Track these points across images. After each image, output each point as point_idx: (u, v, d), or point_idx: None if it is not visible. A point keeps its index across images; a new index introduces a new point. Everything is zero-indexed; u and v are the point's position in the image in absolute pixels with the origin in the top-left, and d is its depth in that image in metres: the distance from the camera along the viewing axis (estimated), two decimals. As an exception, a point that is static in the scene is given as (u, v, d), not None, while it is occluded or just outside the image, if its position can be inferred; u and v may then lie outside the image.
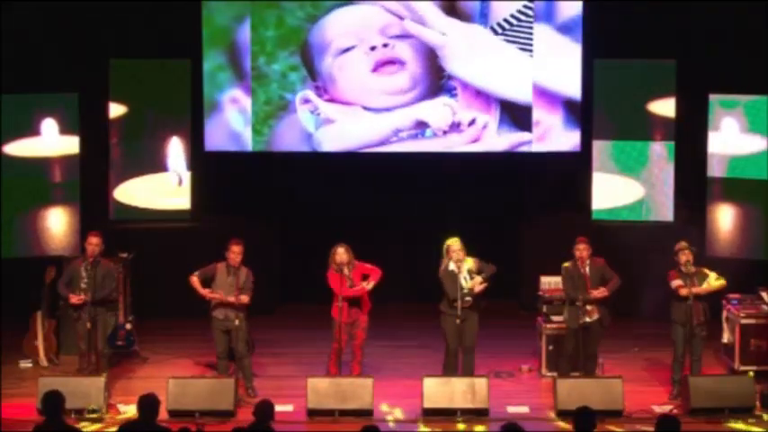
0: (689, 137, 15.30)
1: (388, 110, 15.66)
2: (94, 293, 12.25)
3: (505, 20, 15.55)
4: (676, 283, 12.15)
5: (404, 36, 15.56)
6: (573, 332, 12.43)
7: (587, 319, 12.35)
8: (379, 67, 15.62)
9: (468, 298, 12.02)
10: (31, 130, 14.65)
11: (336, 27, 15.60)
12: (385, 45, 15.58)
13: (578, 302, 12.31)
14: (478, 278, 12.10)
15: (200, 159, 15.82)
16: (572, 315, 12.43)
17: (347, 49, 15.61)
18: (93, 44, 15.31)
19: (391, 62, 15.61)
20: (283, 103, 15.69)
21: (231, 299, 12.14)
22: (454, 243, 12.16)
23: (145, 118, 15.61)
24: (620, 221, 15.60)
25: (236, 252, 12.20)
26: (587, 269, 12.37)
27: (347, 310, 12.26)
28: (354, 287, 12.31)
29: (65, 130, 14.70)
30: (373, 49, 15.59)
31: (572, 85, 15.64)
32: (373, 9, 15.59)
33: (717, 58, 14.98)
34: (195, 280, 12.24)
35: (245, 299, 12.20)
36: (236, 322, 12.18)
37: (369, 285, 12.37)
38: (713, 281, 12.25)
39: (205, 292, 12.22)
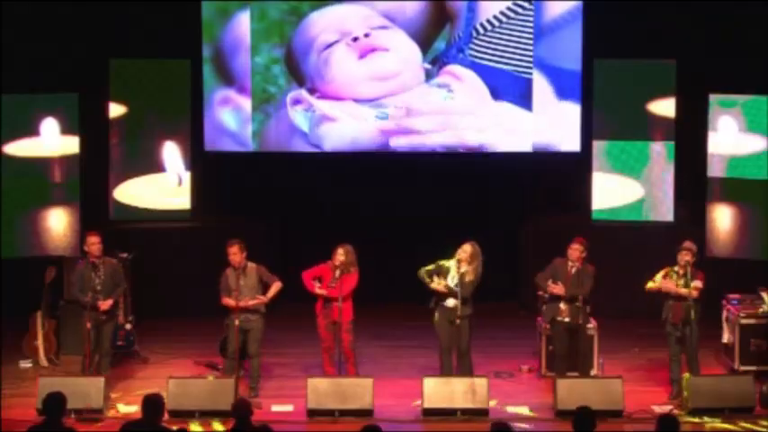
0: (689, 137, 15.29)
1: (378, 101, 15.65)
2: (110, 294, 12.25)
3: (489, 20, 15.57)
4: (651, 281, 12.21)
5: (385, 27, 15.60)
6: (560, 331, 12.44)
7: (560, 318, 12.38)
8: (364, 54, 15.65)
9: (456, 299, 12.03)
10: (31, 130, 14.63)
11: (318, 26, 15.64)
12: (366, 35, 15.60)
13: (540, 292, 12.53)
14: (443, 282, 12.09)
15: (199, 159, 15.82)
16: (549, 310, 12.52)
17: (331, 44, 15.64)
18: (93, 44, 15.31)
19: (375, 49, 15.64)
20: (266, 96, 15.67)
21: (258, 299, 12.16)
22: (465, 245, 12.16)
23: (145, 118, 15.61)
24: (620, 221, 15.60)
25: (232, 253, 12.17)
26: (573, 270, 12.38)
27: (334, 311, 12.24)
28: (330, 287, 12.28)
29: (65, 130, 14.68)
30: (356, 40, 15.62)
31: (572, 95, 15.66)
32: (352, 7, 15.65)
33: (717, 58, 14.99)
34: (229, 301, 12.18)
35: (276, 286, 12.22)
36: (255, 322, 12.21)
37: (266, 297, 12.31)
38: (690, 285, 12.14)
39: (267, 298, 12.27)
